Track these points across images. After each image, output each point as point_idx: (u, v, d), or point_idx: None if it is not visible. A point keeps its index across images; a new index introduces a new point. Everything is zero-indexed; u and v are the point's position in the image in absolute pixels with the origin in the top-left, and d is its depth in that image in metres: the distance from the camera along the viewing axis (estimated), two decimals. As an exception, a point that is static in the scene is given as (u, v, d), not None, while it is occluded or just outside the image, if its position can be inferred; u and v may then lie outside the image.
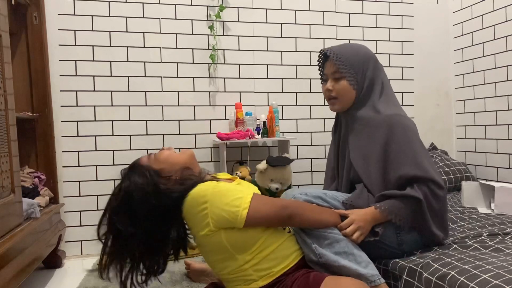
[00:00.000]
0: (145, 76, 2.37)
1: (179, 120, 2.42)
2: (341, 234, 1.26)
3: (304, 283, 1.17)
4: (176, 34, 2.40)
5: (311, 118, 2.62)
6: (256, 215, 1.15)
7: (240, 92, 2.50)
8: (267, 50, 2.54)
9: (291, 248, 1.26)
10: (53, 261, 2.07)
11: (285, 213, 1.19)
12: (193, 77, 2.43)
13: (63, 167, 2.26)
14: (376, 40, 2.69)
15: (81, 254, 2.29)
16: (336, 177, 1.62)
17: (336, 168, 1.61)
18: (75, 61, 2.28)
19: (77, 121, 2.28)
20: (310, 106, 2.61)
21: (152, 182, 1.20)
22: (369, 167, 1.42)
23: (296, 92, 2.59)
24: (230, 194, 1.16)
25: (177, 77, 2.41)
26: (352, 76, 1.44)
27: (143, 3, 2.35)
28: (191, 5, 2.41)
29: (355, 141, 1.48)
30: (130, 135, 2.35)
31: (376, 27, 2.70)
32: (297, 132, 2.60)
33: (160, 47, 2.38)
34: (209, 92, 2.46)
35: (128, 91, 2.35)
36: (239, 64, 2.50)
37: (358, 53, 1.47)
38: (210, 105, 2.46)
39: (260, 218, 1.16)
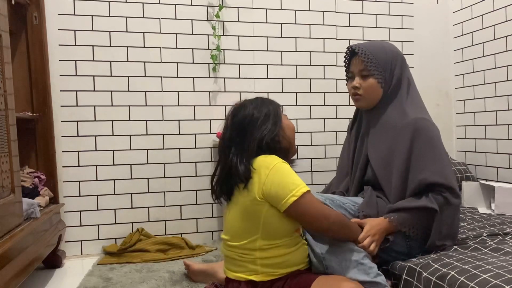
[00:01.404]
0: (145, 76, 2.37)
1: (179, 120, 2.42)
2: (352, 245, 1.26)
3: (296, 282, 1.17)
4: (176, 34, 2.40)
5: (311, 118, 2.62)
6: (299, 208, 1.15)
7: (240, 92, 2.50)
8: (267, 50, 2.54)
9: (303, 258, 1.26)
10: (53, 261, 2.06)
11: (325, 222, 1.19)
12: (193, 77, 2.43)
13: (63, 167, 2.26)
14: (376, 40, 2.69)
15: (81, 254, 2.29)
16: (349, 175, 1.59)
17: (351, 166, 1.58)
18: (75, 61, 2.28)
19: (77, 121, 2.29)
20: (310, 106, 2.61)
21: (269, 123, 1.24)
22: (389, 169, 1.40)
23: (296, 92, 2.59)
24: (291, 177, 1.18)
25: (177, 77, 2.41)
26: (380, 74, 1.43)
27: (143, 3, 2.35)
28: (191, 5, 2.41)
29: (377, 141, 1.46)
30: (130, 135, 2.35)
31: (376, 27, 2.70)
32: (297, 132, 2.59)
33: (160, 47, 2.38)
34: (209, 92, 2.46)
35: (128, 91, 2.35)
36: (239, 64, 2.50)
37: (386, 51, 1.46)
38: (210, 105, 2.46)
39: (301, 213, 1.17)
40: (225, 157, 1.25)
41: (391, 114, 1.44)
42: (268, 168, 1.17)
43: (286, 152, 1.30)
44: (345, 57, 1.54)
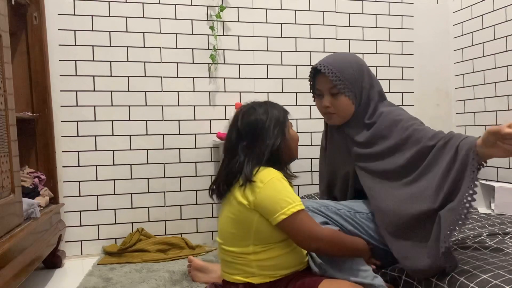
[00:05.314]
0: (145, 76, 2.37)
1: (179, 120, 2.42)
2: None
3: (299, 285, 1.17)
4: (176, 34, 2.40)
5: (311, 118, 2.62)
6: (289, 226, 1.15)
7: (240, 92, 2.50)
8: (267, 50, 2.54)
9: (301, 258, 1.25)
10: (53, 261, 2.06)
11: (314, 244, 1.18)
12: (193, 77, 2.43)
13: (63, 167, 2.26)
14: (376, 40, 2.69)
15: (81, 254, 2.29)
16: (333, 185, 1.59)
17: (331, 183, 1.58)
18: (75, 61, 2.28)
19: (77, 121, 2.29)
20: (310, 106, 2.61)
21: (277, 131, 1.24)
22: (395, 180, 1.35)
23: (296, 92, 2.59)
24: (285, 193, 1.17)
25: (177, 77, 2.41)
26: (350, 91, 1.39)
27: (143, 3, 2.35)
28: (191, 5, 2.41)
29: (370, 158, 1.41)
30: (130, 135, 2.35)
31: (376, 27, 2.70)
32: (297, 132, 2.59)
33: (160, 47, 2.38)
34: (209, 92, 2.46)
35: (128, 91, 2.35)
36: (239, 64, 2.50)
37: (352, 65, 1.40)
38: (210, 105, 2.46)
39: (290, 231, 1.16)
40: (230, 157, 1.24)
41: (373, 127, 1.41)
42: (263, 182, 1.16)
43: (285, 162, 1.30)
44: (309, 75, 1.48)
